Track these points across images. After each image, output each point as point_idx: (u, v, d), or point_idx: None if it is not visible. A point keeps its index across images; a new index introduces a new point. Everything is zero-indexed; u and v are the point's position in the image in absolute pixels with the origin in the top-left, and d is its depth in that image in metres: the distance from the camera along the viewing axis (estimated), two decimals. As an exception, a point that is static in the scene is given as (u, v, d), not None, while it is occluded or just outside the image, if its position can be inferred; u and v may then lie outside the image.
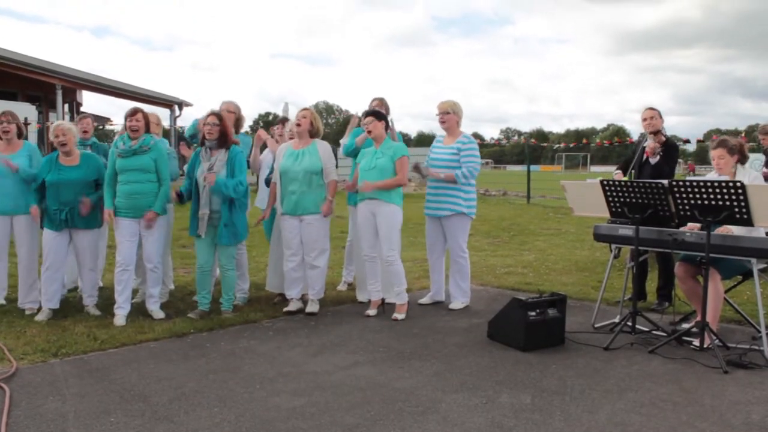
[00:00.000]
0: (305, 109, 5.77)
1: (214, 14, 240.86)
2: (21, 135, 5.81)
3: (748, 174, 4.82)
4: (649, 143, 5.83)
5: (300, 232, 5.61)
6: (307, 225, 5.58)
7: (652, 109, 5.96)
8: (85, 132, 6.25)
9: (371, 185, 5.49)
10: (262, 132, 6.46)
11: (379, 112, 5.73)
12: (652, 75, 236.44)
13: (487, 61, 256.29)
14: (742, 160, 4.92)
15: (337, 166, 6.27)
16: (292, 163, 5.58)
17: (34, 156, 5.73)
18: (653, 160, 5.86)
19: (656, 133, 5.85)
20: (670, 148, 5.91)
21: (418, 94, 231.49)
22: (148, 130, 5.50)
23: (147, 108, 5.93)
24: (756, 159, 9.47)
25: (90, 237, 5.49)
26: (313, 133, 5.66)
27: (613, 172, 6.27)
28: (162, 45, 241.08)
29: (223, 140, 5.40)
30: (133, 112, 5.43)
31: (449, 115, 5.86)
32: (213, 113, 5.48)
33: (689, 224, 4.79)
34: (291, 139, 5.83)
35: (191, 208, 5.49)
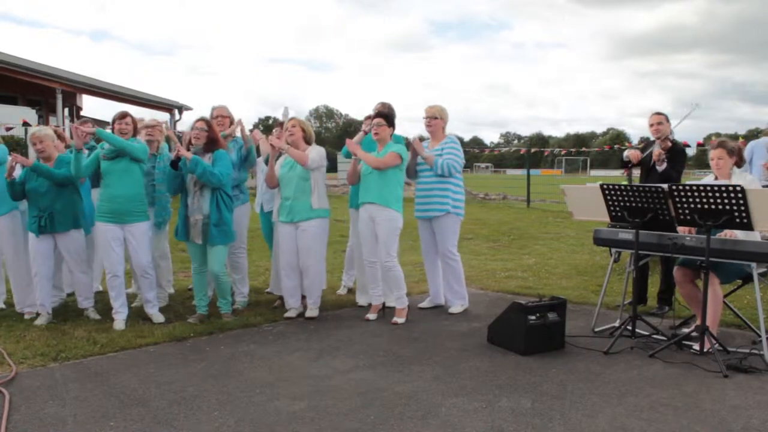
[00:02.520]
0: (292, 119, 5.78)
1: (213, 19, 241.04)
2: None
3: (744, 177, 4.83)
4: (655, 150, 5.75)
5: (296, 239, 5.61)
6: (302, 232, 5.58)
7: (658, 114, 5.88)
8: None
9: (358, 150, 5.57)
10: (257, 132, 6.50)
11: (390, 118, 5.75)
12: (650, 80, 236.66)
13: (485, 65, 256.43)
14: (740, 163, 4.94)
15: (337, 170, 6.28)
16: (287, 170, 5.62)
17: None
18: (660, 168, 5.76)
19: (663, 138, 5.77)
20: (677, 154, 5.82)
21: (417, 98, 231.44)
22: (135, 134, 5.51)
23: (147, 112, 5.93)
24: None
25: (73, 239, 5.45)
26: (306, 140, 5.66)
27: (632, 148, 6.24)
28: (161, 49, 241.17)
29: (210, 145, 5.41)
30: (122, 116, 5.45)
31: (436, 120, 5.93)
32: (201, 119, 5.51)
33: (680, 228, 4.79)
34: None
35: (180, 212, 5.47)
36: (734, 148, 4.91)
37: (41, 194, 5.32)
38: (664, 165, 5.75)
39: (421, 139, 6.02)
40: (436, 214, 5.82)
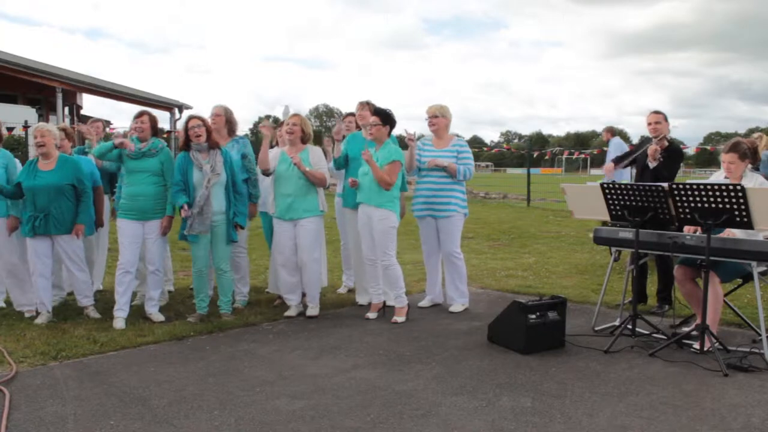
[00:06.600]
0: (295, 115, 5.79)
1: (209, 17, 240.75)
2: None
3: (755, 179, 4.76)
4: (651, 147, 5.77)
5: (294, 236, 5.62)
6: (301, 228, 5.60)
7: (657, 113, 5.86)
8: (96, 134, 6.37)
9: (371, 161, 5.43)
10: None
11: (387, 116, 5.64)
12: (647, 78, 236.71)
13: (481, 63, 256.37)
14: (754, 162, 4.86)
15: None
16: (286, 168, 5.62)
17: (10, 164, 5.62)
18: (652, 165, 5.78)
19: (661, 138, 5.77)
20: (673, 153, 5.80)
21: (415, 96, 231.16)
22: (155, 133, 5.52)
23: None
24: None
25: (70, 239, 5.43)
26: (304, 139, 5.69)
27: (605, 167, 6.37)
28: (157, 48, 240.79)
29: (213, 140, 5.43)
30: (139, 114, 5.49)
31: (438, 118, 5.90)
32: (193, 117, 5.51)
33: (686, 227, 4.79)
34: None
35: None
36: (747, 150, 4.79)
37: (39, 194, 5.28)
38: (657, 162, 5.76)
39: (419, 137, 5.94)
40: (446, 214, 5.81)
